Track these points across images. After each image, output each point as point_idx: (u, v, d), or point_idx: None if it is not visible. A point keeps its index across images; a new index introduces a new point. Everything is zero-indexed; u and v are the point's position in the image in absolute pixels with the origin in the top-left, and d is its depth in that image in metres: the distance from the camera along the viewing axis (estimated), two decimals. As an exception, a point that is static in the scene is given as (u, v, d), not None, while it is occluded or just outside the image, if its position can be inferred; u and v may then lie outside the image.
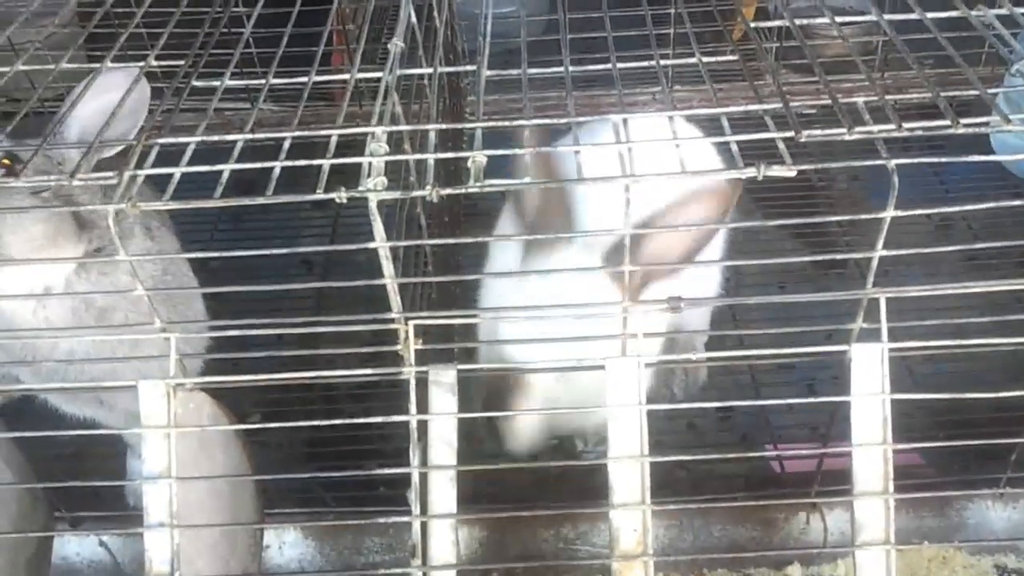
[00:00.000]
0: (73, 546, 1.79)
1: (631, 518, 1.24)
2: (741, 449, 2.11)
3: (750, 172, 1.11)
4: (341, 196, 1.11)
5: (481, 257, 2.43)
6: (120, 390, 1.39)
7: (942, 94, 1.17)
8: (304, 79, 1.35)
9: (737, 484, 1.99)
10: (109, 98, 1.36)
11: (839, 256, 1.26)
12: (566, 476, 1.92)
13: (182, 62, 1.38)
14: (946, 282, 1.23)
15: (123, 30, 1.49)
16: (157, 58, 1.42)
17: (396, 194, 1.13)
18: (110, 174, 1.15)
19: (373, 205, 1.12)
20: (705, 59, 1.34)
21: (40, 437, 1.41)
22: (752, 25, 1.40)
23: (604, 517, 1.26)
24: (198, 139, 1.23)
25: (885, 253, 1.17)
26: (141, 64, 1.41)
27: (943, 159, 1.16)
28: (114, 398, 1.61)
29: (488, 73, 1.34)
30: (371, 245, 1.17)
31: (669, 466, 1.47)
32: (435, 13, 1.74)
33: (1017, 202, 1.17)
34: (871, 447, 1.26)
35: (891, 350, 1.26)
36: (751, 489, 1.97)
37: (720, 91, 2.69)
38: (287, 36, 1.49)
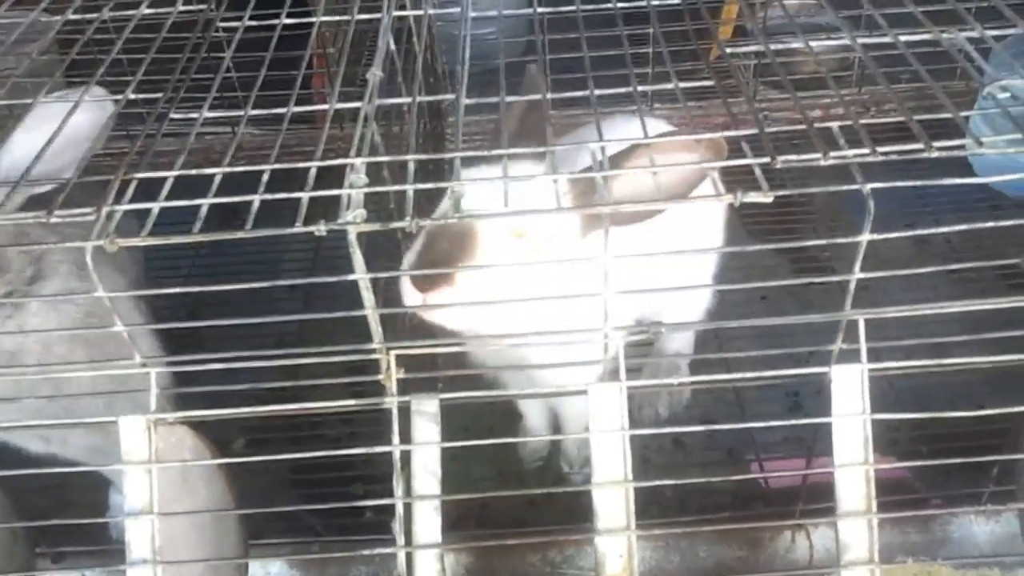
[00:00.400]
0: (56, 583, 1.77)
1: (616, 543, 1.24)
2: (727, 463, 2.12)
3: (727, 198, 1.12)
4: (320, 230, 1.11)
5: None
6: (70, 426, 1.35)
7: (916, 117, 1.18)
8: (283, 109, 1.35)
9: (723, 499, 2.00)
10: (57, 126, 1.30)
11: (818, 280, 1.27)
12: (554, 496, 1.92)
13: (161, 94, 1.37)
14: (927, 296, 1.25)
15: (104, 57, 1.49)
16: (138, 84, 1.41)
17: (376, 226, 1.13)
18: (88, 210, 1.15)
19: (352, 237, 1.12)
20: (681, 85, 1.35)
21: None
22: (729, 50, 1.41)
23: (591, 540, 1.26)
24: (176, 173, 1.23)
25: (862, 276, 1.18)
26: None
27: (919, 183, 1.17)
28: (61, 434, 1.58)
29: (467, 101, 1.35)
30: (351, 277, 1.17)
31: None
32: (414, 38, 1.75)
33: (992, 224, 1.18)
34: (853, 467, 1.26)
35: (871, 369, 1.27)
36: (738, 504, 1.98)
37: (699, 108, 2.73)
38: (268, 61, 1.48)
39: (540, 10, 1.58)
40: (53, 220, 1.13)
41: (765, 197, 1.10)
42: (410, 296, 1.39)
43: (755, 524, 1.75)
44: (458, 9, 1.54)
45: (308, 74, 2.70)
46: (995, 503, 1.73)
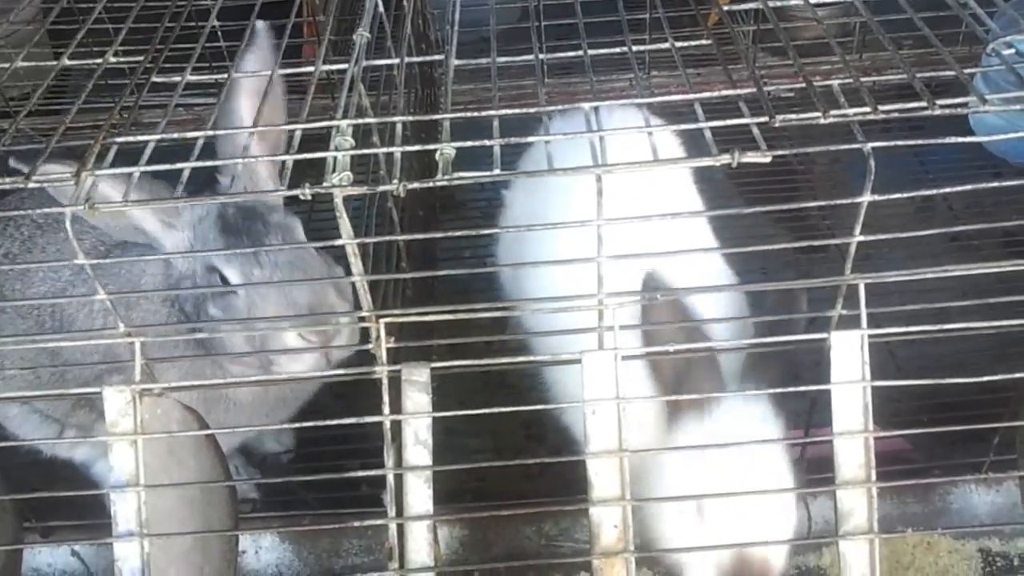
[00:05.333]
0: (44, 557, 1.75)
1: (611, 514, 1.22)
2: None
3: (724, 159, 1.09)
4: (306, 193, 1.08)
5: (457, 250, 2.40)
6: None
7: (919, 75, 1.15)
8: (268, 72, 1.32)
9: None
10: None
11: (817, 243, 1.24)
12: (551, 470, 1.90)
13: (141, 58, 1.34)
14: (928, 264, 1.21)
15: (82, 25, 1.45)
16: (119, 52, 1.37)
17: (362, 189, 1.10)
18: (67, 172, 1.12)
19: (339, 201, 1.09)
20: (678, 44, 1.32)
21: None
22: (727, 8, 1.37)
23: (586, 512, 1.24)
24: (157, 137, 1.20)
25: (863, 239, 1.15)
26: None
27: (920, 141, 1.14)
28: None
29: (456, 62, 1.31)
30: (338, 242, 1.14)
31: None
32: (404, 1, 1.71)
33: (995, 183, 1.15)
34: (852, 435, 1.24)
35: (871, 336, 1.24)
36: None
37: (698, 76, 2.68)
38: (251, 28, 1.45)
39: (534, -26, 1.54)
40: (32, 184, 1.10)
41: (763, 157, 1.07)
42: None
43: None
44: (449, -28, 1.50)
45: (300, 43, 2.66)
46: (995, 472, 1.71)
